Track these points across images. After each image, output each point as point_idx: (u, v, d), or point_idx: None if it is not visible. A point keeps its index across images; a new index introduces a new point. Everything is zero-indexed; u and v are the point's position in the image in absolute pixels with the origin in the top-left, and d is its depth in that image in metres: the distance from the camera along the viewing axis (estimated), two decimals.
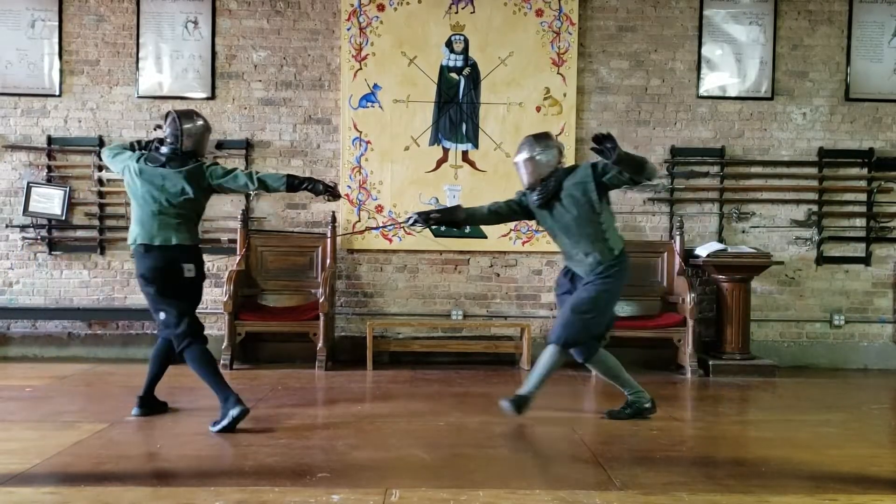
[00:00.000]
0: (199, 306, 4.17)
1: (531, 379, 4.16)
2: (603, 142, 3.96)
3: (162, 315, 4.01)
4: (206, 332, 4.09)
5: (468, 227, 4.30)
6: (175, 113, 4.11)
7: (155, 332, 5.92)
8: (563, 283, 4.27)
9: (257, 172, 4.09)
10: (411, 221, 4.22)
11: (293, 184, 4.03)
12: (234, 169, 4.10)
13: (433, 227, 4.11)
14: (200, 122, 4.14)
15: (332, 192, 4.10)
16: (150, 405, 4.23)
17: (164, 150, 4.07)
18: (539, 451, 3.64)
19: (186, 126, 4.06)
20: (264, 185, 4.05)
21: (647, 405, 4.26)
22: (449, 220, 4.26)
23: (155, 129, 4.34)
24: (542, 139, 4.16)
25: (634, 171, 3.86)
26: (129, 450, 3.56)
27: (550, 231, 4.20)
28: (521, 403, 4.10)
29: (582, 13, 6.24)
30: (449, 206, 4.46)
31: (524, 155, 4.13)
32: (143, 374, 4.26)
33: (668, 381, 5.54)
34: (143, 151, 4.15)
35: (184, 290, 4.03)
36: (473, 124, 6.24)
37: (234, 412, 3.84)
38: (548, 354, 4.13)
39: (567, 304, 4.10)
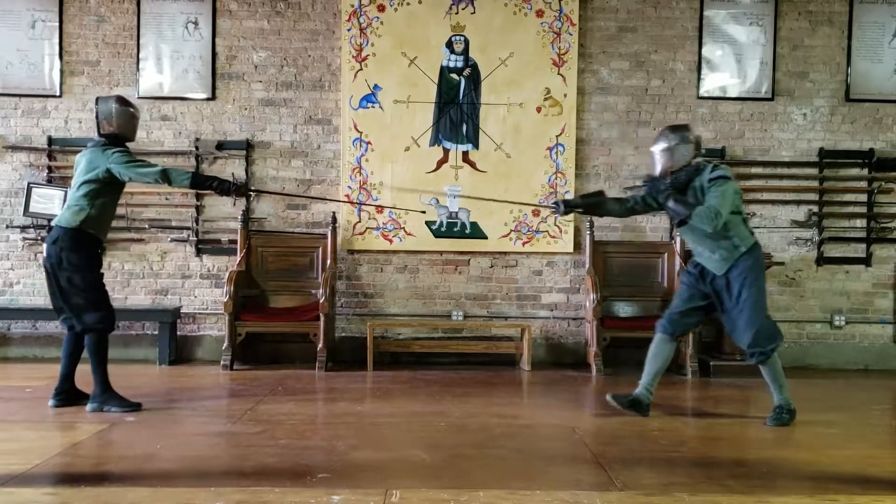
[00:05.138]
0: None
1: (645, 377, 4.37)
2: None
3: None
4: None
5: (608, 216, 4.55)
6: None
7: (155, 332, 5.92)
8: (692, 272, 4.31)
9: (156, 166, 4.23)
10: (556, 208, 4.37)
11: (197, 182, 4.23)
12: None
13: (576, 211, 4.38)
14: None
15: (239, 191, 4.26)
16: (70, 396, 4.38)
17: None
18: (539, 451, 3.63)
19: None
20: (166, 178, 4.16)
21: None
22: (590, 208, 4.41)
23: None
24: (678, 130, 4.23)
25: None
26: (129, 450, 3.55)
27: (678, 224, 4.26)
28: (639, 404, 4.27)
29: (582, 14, 6.24)
30: (591, 192, 4.70)
31: (661, 145, 4.20)
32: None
33: (668, 382, 5.51)
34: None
35: None
36: (474, 125, 6.24)
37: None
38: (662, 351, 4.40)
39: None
